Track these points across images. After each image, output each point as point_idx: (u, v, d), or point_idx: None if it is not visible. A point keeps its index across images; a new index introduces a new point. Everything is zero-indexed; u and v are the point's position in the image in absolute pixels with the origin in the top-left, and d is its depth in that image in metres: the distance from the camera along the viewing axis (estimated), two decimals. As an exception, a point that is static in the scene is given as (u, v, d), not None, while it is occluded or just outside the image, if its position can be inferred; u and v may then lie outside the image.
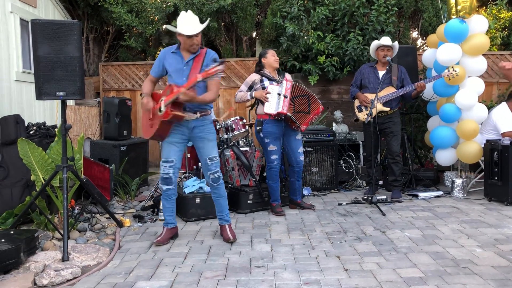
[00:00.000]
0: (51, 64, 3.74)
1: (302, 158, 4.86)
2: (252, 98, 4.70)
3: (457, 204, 5.03)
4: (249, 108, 6.21)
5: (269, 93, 4.56)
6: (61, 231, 3.94)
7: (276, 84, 4.65)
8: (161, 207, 4.61)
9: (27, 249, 3.41)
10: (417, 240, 3.76)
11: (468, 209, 4.79)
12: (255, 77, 4.79)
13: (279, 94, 4.54)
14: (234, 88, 7.50)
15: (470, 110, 5.32)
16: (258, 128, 4.70)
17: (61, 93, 3.79)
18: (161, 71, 3.87)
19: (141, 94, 5.68)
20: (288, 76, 4.89)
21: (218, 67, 3.41)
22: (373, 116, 5.11)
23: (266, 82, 4.70)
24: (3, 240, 3.32)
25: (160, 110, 3.71)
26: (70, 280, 3.13)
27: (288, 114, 4.53)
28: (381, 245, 3.66)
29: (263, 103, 4.62)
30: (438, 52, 5.38)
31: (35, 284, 3.06)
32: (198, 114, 3.79)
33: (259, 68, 4.84)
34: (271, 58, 4.76)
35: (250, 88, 4.78)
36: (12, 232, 3.58)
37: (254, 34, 8.07)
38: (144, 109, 3.82)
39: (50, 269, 3.20)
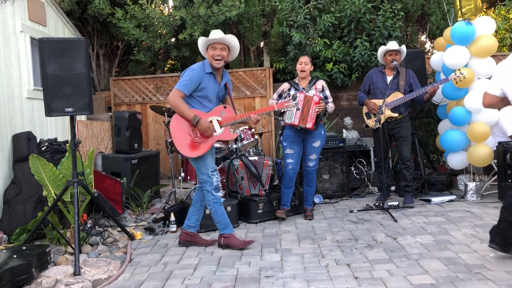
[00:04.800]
0: (59, 81, 3.80)
1: (311, 164, 4.88)
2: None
3: (471, 208, 4.95)
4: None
5: (289, 104, 4.60)
6: (73, 246, 3.98)
7: (302, 93, 4.75)
8: (171, 219, 4.66)
9: (38, 265, 3.45)
10: (429, 246, 3.71)
11: (481, 213, 4.72)
12: (285, 86, 5.00)
13: (293, 106, 4.59)
14: (242, 97, 7.53)
15: (480, 112, 5.25)
16: (280, 132, 4.96)
17: (70, 109, 3.85)
18: (193, 90, 3.84)
19: (153, 109, 5.77)
20: (318, 85, 4.92)
21: (292, 102, 4.13)
22: (381, 122, 5.09)
23: (292, 91, 4.87)
24: (15, 256, 3.37)
25: (214, 131, 3.87)
26: (81, 294, 3.16)
27: (300, 125, 4.65)
28: (392, 252, 3.62)
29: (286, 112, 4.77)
30: (445, 56, 5.35)
31: (46, 299, 3.09)
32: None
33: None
34: (298, 67, 4.91)
35: (280, 96, 4.98)
36: (24, 248, 3.63)
37: (261, 44, 8.11)
38: (208, 133, 3.82)
39: (61, 283, 3.24)
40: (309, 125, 4.63)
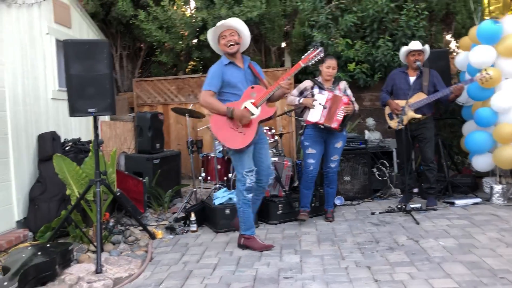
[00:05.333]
0: (83, 82, 3.87)
1: (333, 165, 4.82)
2: (300, 103, 4.69)
3: (497, 211, 4.83)
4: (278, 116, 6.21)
5: (316, 100, 4.58)
6: (95, 244, 4.05)
7: (327, 92, 4.67)
8: (192, 218, 4.69)
9: (62, 262, 3.52)
10: (451, 249, 3.64)
11: (508, 216, 4.60)
12: (307, 83, 4.83)
13: (319, 104, 4.55)
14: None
15: (507, 113, 5.12)
16: (300, 131, 4.84)
17: (93, 110, 3.91)
18: (220, 85, 3.88)
19: (174, 111, 5.80)
20: (341, 85, 4.86)
21: (317, 50, 3.81)
22: (404, 123, 5.01)
23: (316, 90, 4.73)
24: (39, 253, 3.45)
25: (252, 114, 3.81)
26: (102, 292, 3.21)
27: (325, 124, 4.53)
28: (413, 254, 3.56)
29: (309, 110, 4.66)
30: (470, 55, 5.23)
31: (69, 296, 3.15)
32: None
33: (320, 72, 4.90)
34: (325, 70, 4.73)
35: (301, 93, 4.82)
36: (48, 245, 3.71)
37: (282, 44, 8.09)
38: (245, 122, 3.79)
39: (83, 281, 3.30)
40: (334, 125, 4.56)
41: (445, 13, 7.38)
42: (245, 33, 3.98)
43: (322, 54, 3.86)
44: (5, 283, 2.78)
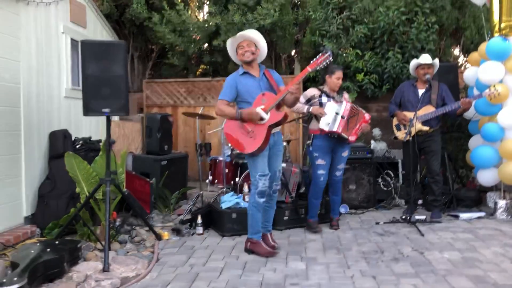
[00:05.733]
0: (98, 82, 3.92)
1: (338, 174, 4.85)
2: (309, 112, 4.72)
3: (500, 226, 4.86)
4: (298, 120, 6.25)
5: (327, 108, 4.62)
6: (103, 242, 4.09)
7: (335, 102, 4.71)
8: (198, 221, 4.74)
9: (70, 259, 3.57)
10: (456, 262, 3.67)
11: (512, 232, 4.63)
12: (314, 91, 4.84)
13: (336, 114, 4.57)
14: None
15: (514, 129, 5.16)
16: (308, 142, 4.79)
17: (107, 110, 3.97)
18: (234, 95, 4.01)
19: (186, 115, 5.86)
20: (346, 95, 4.94)
21: (325, 55, 3.75)
22: (412, 135, 5.06)
23: (324, 99, 4.76)
24: (48, 249, 3.49)
25: (262, 119, 3.87)
26: (110, 290, 3.25)
27: (343, 134, 4.57)
28: (418, 266, 3.59)
29: (317, 119, 4.68)
30: (479, 71, 5.28)
31: (77, 293, 3.19)
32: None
33: (322, 80, 4.92)
34: (335, 81, 4.75)
35: (308, 101, 4.83)
36: (57, 242, 3.75)
37: (293, 52, 8.16)
38: (254, 117, 3.86)
39: (91, 279, 3.34)
40: (352, 138, 4.61)
41: (454, 28, 7.44)
42: (262, 44, 4.07)
43: (330, 59, 3.86)
44: (15, 279, 2.83)
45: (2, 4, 4.27)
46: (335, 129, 4.56)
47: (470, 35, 7.26)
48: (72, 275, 3.45)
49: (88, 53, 3.93)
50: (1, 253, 3.75)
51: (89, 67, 3.92)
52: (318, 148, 4.72)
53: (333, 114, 4.60)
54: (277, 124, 3.94)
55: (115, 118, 6.75)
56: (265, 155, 3.94)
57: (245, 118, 3.89)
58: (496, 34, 5.35)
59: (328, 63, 3.85)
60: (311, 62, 3.88)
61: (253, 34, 4.03)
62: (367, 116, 4.69)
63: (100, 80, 3.93)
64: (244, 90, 3.96)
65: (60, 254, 3.42)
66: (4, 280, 2.82)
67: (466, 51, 7.57)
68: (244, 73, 4.01)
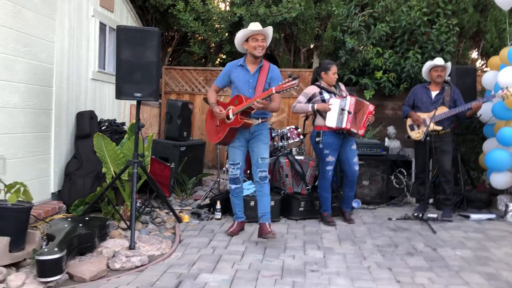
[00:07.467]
0: (131, 67, 4.06)
1: (357, 168, 4.95)
2: (314, 109, 4.79)
3: (510, 228, 4.98)
4: (304, 118, 6.37)
5: (331, 105, 4.71)
6: (127, 222, 4.25)
7: (337, 97, 4.80)
8: (217, 206, 4.89)
9: (100, 235, 3.74)
10: (469, 259, 3.81)
11: (522, 234, 4.75)
12: (314, 89, 4.90)
13: (342, 109, 4.66)
14: (288, 97, 7.70)
15: (530, 135, 5.25)
16: (317, 139, 4.80)
17: (138, 94, 4.11)
18: (225, 82, 4.32)
19: (205, 100, 6.00)
20: (343, 87, 5.04)
21: (292, 82, 3.75)
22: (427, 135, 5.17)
23: (326, 95, 4.83)
24: (80, 225, 3.66)
25: (228, 118, 4.07)
26: (139, 267, 3.41)
27: (352, 129, 4.67)
28: (432, 261, 3.73)
29: (322, 116, 4.77)
30: (500, 75, 5.37)
31: (108, 267, 3.35)
32: (260, 120, 4.17)
33: (315, 78, 4.99)
34: (331, 77, 4.85)
35: (309, 100, 4.89)
36: (87, 218, 3.92)
37: (312, 46, 8.25)
38: (219, 118, 4.17)
39: (121, 255, 3.49)
40: (361, 131, 4.72)
41: (475, 31, 7.51)
42: (268, 43, 4.24)
43: (296, 87, 3.85)
44: (56, 249, 2.99)
45: (41, -14, 4.40)
46: (343, 125, 4.65)
47: (490, 38, 7.32)
48: (101, 250, 3.61)
49: (123, 38, 4.05)
50: (32, 225, 3.91)
51: (124, 52, 4.05)
52: (329, 145, 4.79)
53: (337, 110, 4.69)
54: (238, 129, 4.08)
55: (134, 103, 6.88)
56: (235, 147, 4.21)
57: (213, 113, 4.19)
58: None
59: (294, 89, 3.86)
60: (279, 83, 3.88)
61: (270, 32, 4.18)
62: (371, 107, 4.79)
63: (133, 65, 4.07)
64: (235, 82, 4.20)
65: (92, 230, 3.59)
66: (46, 250, 2.98)
67: (485, 55, 7.64)
68: (241, 65, 4.20)
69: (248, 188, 5.03)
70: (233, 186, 4.29)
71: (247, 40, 4.14)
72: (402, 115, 5.72)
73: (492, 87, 5.79)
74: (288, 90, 3.84)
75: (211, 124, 4.32)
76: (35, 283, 2.92)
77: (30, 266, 3.18)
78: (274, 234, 3.99)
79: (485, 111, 5.53)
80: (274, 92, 3.86)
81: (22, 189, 3.34)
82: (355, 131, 4.71)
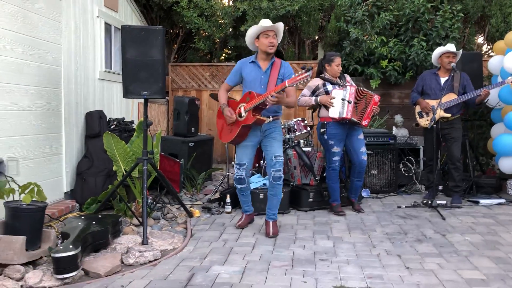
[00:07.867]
0: (137, 66, 4.10)
1: (365, 158, 4.96)
2: (318, 103, 4.83)
3: (520, 212, 5.00)
4: (311, 110, 6.40)
5: (334, 97, 4.74)
6: (139, 218, 4.33)
7: (340, 88, 4.82)
8: (227, 200, 4.96)
9: (113, 232, 3.82)
10: (478, 244, 3.83)
11: (532, 218, 4.76)
12: (318, 81, 4.93)
13: (343, 100, 4.70)
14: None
15: (538, 118, 5.24)
16: (322, 130, 4.85)
17: (145, 92, 4.16)
18: (237, 80, 4.29)
19: (212, 96, 6.05)
20: (348, 78, 5.05)
21: (306, 74, 3.73)
22: (435, 121, 5.18)
23: (329, 86, 4.86)
24: (94, 222, 3.74)
25: (240, 116, 4.06)
26: (152, 261, 3.48)
27: (353, 119, 4.69)
28: (441, 247, 3.76)
29: (326, 107, 4.80)
30: (505, 59, 5.35)
31: (122, 262, 3.43)
32: (271, 118, 4.13)
33: (320, 70, 5.02)
34: (335, 68, 4.87)
35: (313, 92, 4.92)
36: (100, 216, 4.00)
37: (316, 37, 8.25)
38: (228, 122, 4.15)
39: (134, 250, 3.57)
40: (365, 122, 4.74)
41: (479, 16, 7.46)
42: (279, 39, 4.22)
43: (309, 78, 3.82)
44: (71, 246, 3.07)
45: (46, -11, 4.47)
46: (344, 115, 4.68)
47: (495, 23, 7.27)
48: (115, 246, 3.69)
49: (128, 38, 4.10)
50: (47, 224, 4.00)
51: (129, 52, 4.10)
52: (334, 136, 4.83)
53: (340, 100, 4.71)
54: (251, 126, 4.05)
55: (142, 101, 6.96)
56: (245, 145, 4.18)
57: (223, 114, 4.18)
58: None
59: (306, 81, 3.80)
60: (292, 76, 3.85)
61: (281, 28, 4.18)
62: (376, 98, 4.80)
63: (139, 64, 4.11)
64: (247, 78, 4.17)
65: (106, 227, 3.67)
66: (61, 247, 3.06)
67: (490, 40, 7.59)
68: (253, 62, 4.19)
69: (257, 181, 5.10)
70: (238, 186, 4.31)
71: (257, 38, 4.15)
72: (410, 101, 5.72)
73: (498, 71, 5.78)
74: (301, 82, 3.77)
75: (224, 123, 4.27)
76: (52, 280, 3.01)
77: (47, 264, 3.27)
78: (276, 234, 4.13)
79: (492, 96, 5.52)
80: (287, 85, 3.81)
81: (36, 189, 3.42)
82: (356, 120, 4.73)
